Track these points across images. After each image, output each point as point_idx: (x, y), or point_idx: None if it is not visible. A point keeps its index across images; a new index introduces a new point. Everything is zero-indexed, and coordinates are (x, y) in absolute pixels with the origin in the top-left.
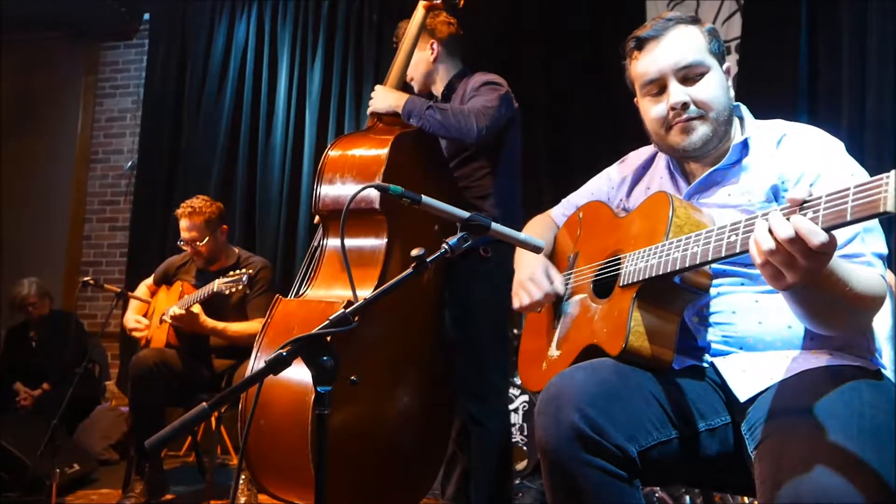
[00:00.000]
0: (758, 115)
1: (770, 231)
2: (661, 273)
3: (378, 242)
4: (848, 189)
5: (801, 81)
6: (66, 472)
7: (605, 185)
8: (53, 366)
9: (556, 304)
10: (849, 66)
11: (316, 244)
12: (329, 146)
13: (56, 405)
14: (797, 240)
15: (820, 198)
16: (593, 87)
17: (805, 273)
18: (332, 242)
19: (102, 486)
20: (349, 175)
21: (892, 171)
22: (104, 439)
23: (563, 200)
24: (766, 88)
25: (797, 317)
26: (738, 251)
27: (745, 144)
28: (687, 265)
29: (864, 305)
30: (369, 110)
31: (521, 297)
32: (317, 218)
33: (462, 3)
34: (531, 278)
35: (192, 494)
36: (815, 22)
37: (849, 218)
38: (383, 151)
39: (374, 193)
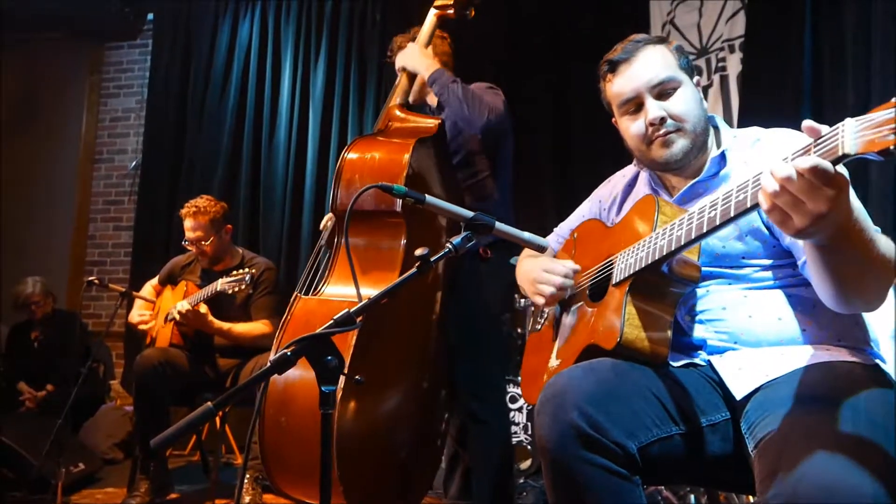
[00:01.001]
0: (762, 113)
1: (772, 175)
2: (649, 262)
3: (396, 243)
4: (809, 144)
5: (805, 79)
6: (71, 471)
7: (595, 206)
8: (56, 365)
9: (555, 320)
10: (853, 63)
11: (323, 243)
12: (346, 148)
13: (61, 404)
14: (798, 176)
15: (786, 157)
16: (597, 91)
17: (814, 217)
18: (351, 241)
19: (107, 486)
20: (369, 178)
21: (847, 119)
22: (109, 438)
23: (556, 229)
24: (770, 86)
25: (823, 289)
26: (718, 224)
27: (722, 156)
28: (673, 248)
29: (888, 272)
30: (398, 64)
31: (542, 289)
32: (325, 220)
33: (473, 13)
34: (545, 269)
35: (197, 493)
36: (819, 19)
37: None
38: (405, 156)
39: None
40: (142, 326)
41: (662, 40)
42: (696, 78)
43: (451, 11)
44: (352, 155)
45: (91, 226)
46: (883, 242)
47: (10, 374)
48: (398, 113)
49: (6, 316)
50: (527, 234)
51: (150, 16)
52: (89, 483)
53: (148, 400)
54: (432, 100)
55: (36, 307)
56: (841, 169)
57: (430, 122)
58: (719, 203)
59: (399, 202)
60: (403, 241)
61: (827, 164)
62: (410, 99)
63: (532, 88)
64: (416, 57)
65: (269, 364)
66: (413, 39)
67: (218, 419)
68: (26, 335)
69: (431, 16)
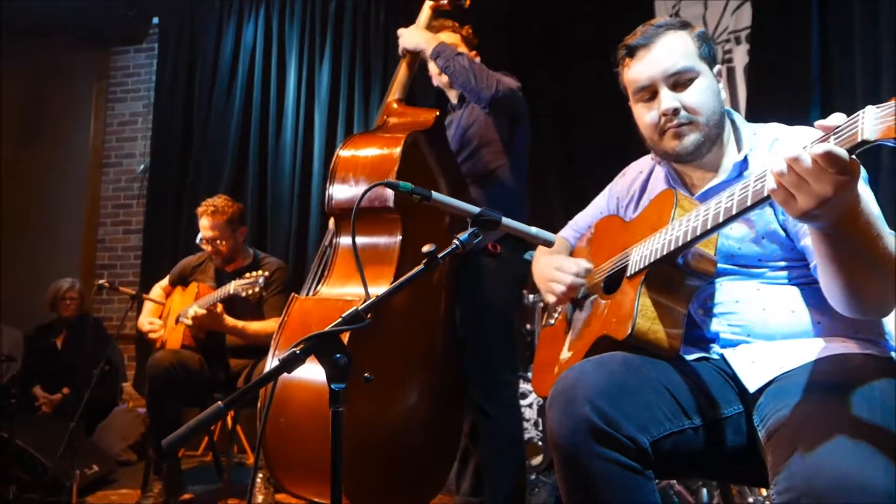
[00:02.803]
0: (770, 105)
1: (781, 156)
2: (664, 253)
3: (392, 240)
4: (829, 133)
5: (813, 69)
6: (85, 473)
7: (612, 202)
8: (76, 368)
9: (568, 313)
10: (861, 52)
11: (327, 243)
12: (340, 146)
13: (76, 407)
14: (812, 161)
15: (805, 147)
16: (600, 87)
17: (819, 199)
18: (346, 240)
19: (121, 487)
20: (362, 174)
21: (868, 106)
22: (122, 440)
23: (571, 222)
24: (778, 77)
25: (830, 288)
26: (735, 213)
27: (745, 160)
28: (689, 239)
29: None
30: (400, 48)
31: (553, 287)
32: (331, 221)
33: (468, 2)
34: (557, 268)
35: (210, 494)
36: (826, 9)
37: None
38: (396, 150)
39: (388, 192)
40: (151, 335)
41: (685, 26)
42: (717, 67)
43: (444, 1)
44: (344, 153)
45: (100, 230)
46: (892, 237)
47: (27, 377)
48: (395, 107)
49: (21, 320)
50: (534, 229)
51: (156, 20)
52: (103, 485)
53: (160, 401)
54: (453, 97)
55: (70, 302)
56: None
57: (427, 115)
58: (736, 193)
59: (392, 197)
60: (399, 237)
61: (840, 151)
62: (435, 83)
63: (534, 84)
64: (416, 34)
65: (278, 362)
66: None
67: (230, 419)
68: (48, 338)
69: (426, 9)
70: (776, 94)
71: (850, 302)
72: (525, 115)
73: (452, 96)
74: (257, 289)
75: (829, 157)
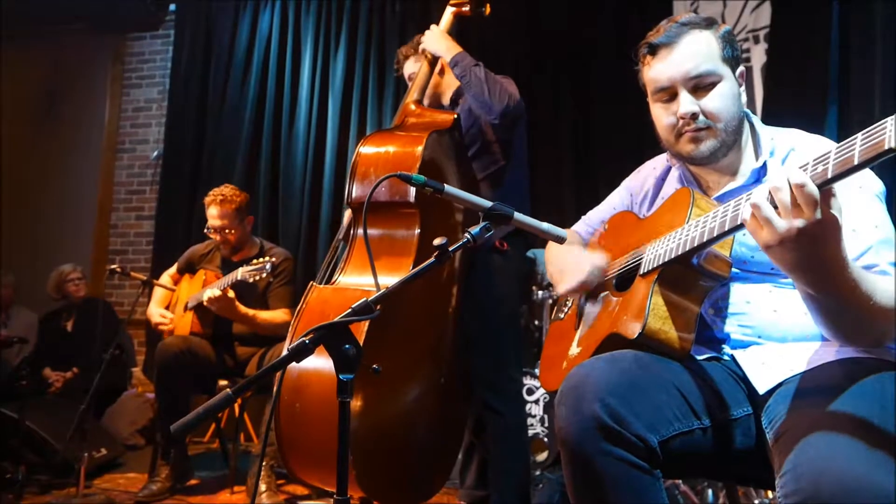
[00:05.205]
0: (786, 106)
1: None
2: (679, 254)
3: (410, 234)
4: (855, 138)
5: (831, 70)
6: (94, 456)
7: (626, 198)
8: (88, 350)
9: (579, 309)
10: (882, 54)
11: (341, 235)
12: (360, 143)
13: (85, 390)
14: (794, 188)
15: (829, 153)
16: (618, 88)
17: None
18: (368, 232)
19: (129, 471)
20: (383, 171)
21: (895, 115)
22: (131, 425)
23: (584, 217)
24: (796, 78)
25: (830, 335)
26: None
27: (763, 166)
28: (705, 240)
29: (888, 318)
30: (421, 46)
31: (568, 280)
32: (346, 217)
33: (489, 10)
34: (575, 260)
35: (216, 480)
36: (847, 9)
37: (856, 161)
38: (418, 148)
39: (408, 187)
40: (161, 328)
41: (710, 24)
42: (740, 68)
43: (466, 9)
44: (366, 149)
45: (113, 215)
46: (882, 290)
47: (38, 359)
48: (413, 108)
49: (32, 303)
50: (545, 225)
51: (172, 6)
52: (111, 468)
53: (169, 387)
54: (446, 99)
55: (79, 281)
56: (836, 207)
57: (446, 116)
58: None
59: (412, 193)
60: (417, 232)
61: (813, 188)
62: (425, 101)
63: (552, 82)
64: (440, 39)
65: (287, 352)
66: (416, 50)
67: (237, 407)
68: (58, 321)
69: (448, 14)
70: (793, 96)
71: (838, 340)
72: (524, 115)
73: (445, 98)
74: (264, 274)
75: (803, 190)
